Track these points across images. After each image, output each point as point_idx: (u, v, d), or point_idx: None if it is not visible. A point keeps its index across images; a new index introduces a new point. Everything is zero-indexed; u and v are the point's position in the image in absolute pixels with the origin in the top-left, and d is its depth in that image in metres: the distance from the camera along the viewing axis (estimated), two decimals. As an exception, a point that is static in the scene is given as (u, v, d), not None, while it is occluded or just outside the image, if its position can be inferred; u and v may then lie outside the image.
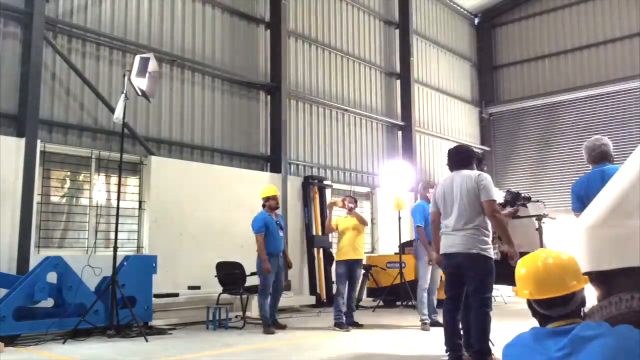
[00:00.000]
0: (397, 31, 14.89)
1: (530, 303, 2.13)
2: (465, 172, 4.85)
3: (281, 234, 7.78)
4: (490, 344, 4.70)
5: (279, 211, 8.01)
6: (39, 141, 7.72)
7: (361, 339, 6.83)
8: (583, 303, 2.11)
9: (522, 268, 2.14)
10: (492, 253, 4.77)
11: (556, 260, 2.08)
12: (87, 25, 8.66)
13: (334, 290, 7.83)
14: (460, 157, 5.00)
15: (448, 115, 16.55)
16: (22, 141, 7.49)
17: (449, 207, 4.83)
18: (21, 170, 7.42)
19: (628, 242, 2.65)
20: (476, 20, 18.38)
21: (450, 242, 4.75)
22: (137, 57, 7.20)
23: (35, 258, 7.24)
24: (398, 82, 14.68)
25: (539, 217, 5.94)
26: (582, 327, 1.94)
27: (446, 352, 4.91)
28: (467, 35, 18.00)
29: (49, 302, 6.68)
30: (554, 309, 2.04)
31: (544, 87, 17.02)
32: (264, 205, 7.77)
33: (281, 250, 7.78)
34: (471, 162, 5.01)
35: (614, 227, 2.75)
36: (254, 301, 8.15)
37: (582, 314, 2.12)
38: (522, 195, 6.14)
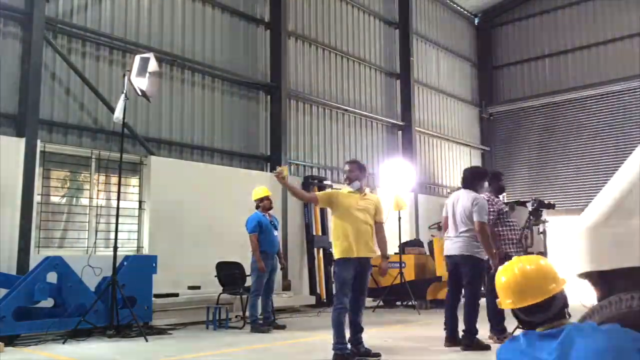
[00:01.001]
0: (397, 31, 14.89)
1: (515, 312, 2.16)
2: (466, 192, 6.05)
3: (276, 233, 7.81)
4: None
5: (272, 211, 8.01)
6: (39, 141, 7.73)
7: (366, 335, 6.79)
8: (565, 304, 2.12)
9: (501, 277, 2.17)
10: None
11: (532, 267, 2.11)
12: (87, 25, 8.66)
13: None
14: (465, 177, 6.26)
15: (448, 115, 16.54)
16: (22, 141, 7.50)
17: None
18: (21, 170, 7.43)
19: (628, 242, 2.64)
20: (476, 20, 18.36)
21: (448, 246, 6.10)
22: (137, 57, 7.18)
23: (35, 258, 7.23)
24: (398, 82, 14.68)
25: (543, 222, 6.35)
26: (571, 329, 1.94)
27: (444, 329, 6.03)
28: (467, 35, 17.99)
29: (49, 302, 6.66)
30: (537, 315, 2.06)
31: (544, 87, 17.00)
32: (257, 207, 7.81)
33: (276, 250, 7.80)
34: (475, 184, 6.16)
35: (614, 226, 2.75)
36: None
37: (566, 315, 2.12)
38: (546, 202, 6.42)
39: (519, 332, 6.02)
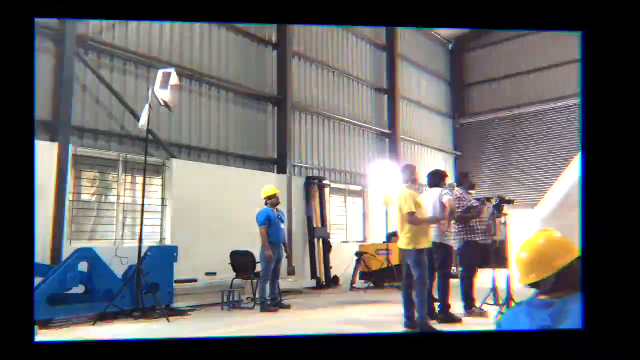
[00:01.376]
0: (385, 54, 14.50)
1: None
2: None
3: (282, 226, 7.50)
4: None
5: (280, 207, 7.67)
6: (71, 145, 7.22)
7: (359, 312, 6.52)
8: (568, 276, 1.77)
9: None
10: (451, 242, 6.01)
11: (528, 250, 1.90)
12: (115, 42, 8.15)
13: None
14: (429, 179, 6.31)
15: (427, 125, 16.19)
16: (55, 145, 7.00)
17: None
18: (55, 171, 6.93)
19: (570, 232, 2.37)
20: (451, 46, 18.04)
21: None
22: (160, 72, 6.76)
23: (68, 249, 6.74)
24: (386, 96, 14.29)
25: (505, 215, 6.31)
26: (564, 301, 1.74)
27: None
28: (443, 58, 17.65)
29: (80, 289, 6.19)
30: (536, 288, 1.88)
31: (507, 101, 16.72)
32: (266, 203, 7.47)
33: (282, 241, 7.52)
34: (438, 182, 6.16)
35: (560, 218, 2.53)
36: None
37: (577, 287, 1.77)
38: (507, 199, 6.40)
39: (485, 307, 5.92)
